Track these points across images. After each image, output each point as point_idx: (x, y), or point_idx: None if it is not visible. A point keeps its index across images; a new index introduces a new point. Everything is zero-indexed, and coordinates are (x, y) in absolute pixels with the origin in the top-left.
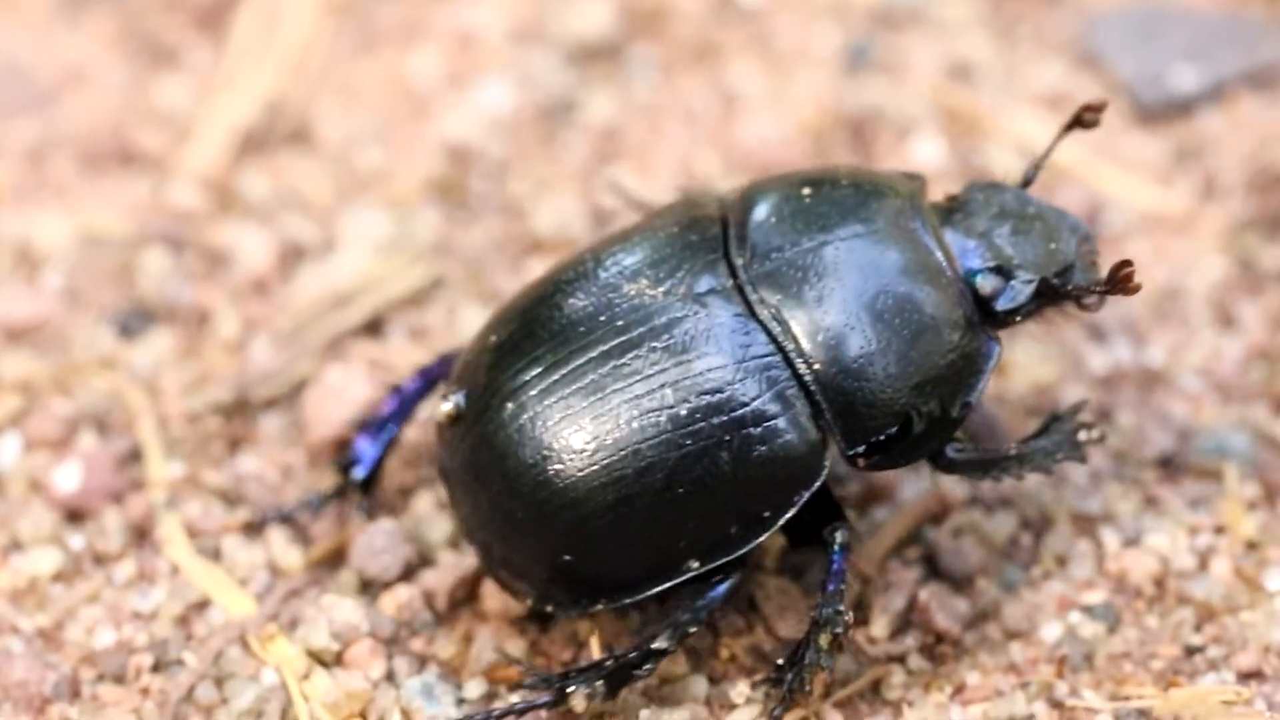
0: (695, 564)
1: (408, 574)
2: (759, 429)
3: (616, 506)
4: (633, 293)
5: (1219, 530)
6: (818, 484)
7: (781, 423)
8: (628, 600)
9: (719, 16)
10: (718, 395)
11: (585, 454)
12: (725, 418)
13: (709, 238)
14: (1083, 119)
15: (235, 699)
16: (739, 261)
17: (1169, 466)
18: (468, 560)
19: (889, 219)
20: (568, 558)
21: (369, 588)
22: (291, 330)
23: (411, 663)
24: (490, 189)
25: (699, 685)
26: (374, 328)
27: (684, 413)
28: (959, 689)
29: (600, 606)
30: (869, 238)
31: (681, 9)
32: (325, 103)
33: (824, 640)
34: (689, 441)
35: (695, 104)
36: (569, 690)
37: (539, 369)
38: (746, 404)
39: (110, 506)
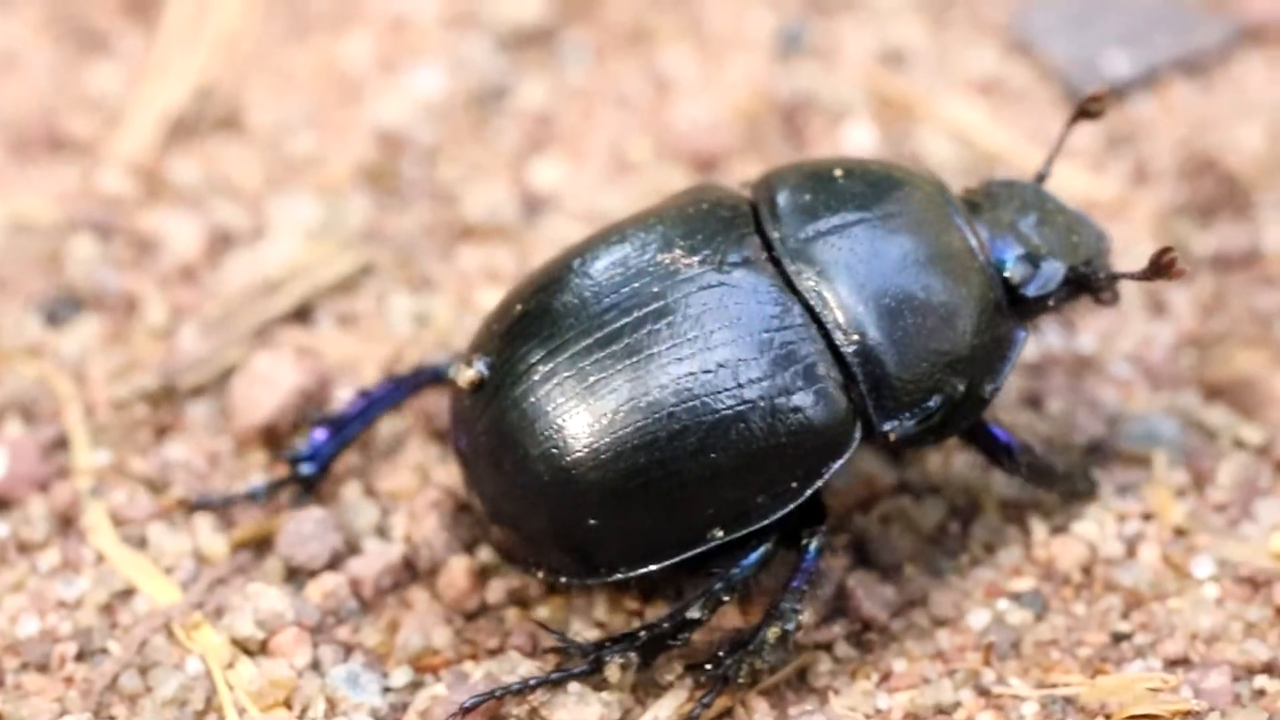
0: (720, 533)
1: (334, 562)
2: (792, 397)
3: (648, 470)
4: (667, 261)
5: (1147, 517)
6: (847, 456)
7: (815, 392)
8: (649, 568)
9: (652, 1)
10: (753, 363)
11: (618, 416)
12: (759, 385)
13: (741, 214)
14: (1088, 110)
15: (159, 688)
16: (774, 235)
17: (1098, 453)
18: (395, 548)
19: (923, 202)
20: (593, 523)
21: (295, 576)
22: (220, 317)
23: (337, 651)
24: (421, 175)
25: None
26: (303, 315)
27: (719, 380)
28: (886, 676)
29: (619, 575)
30: (905, 218)
31: None
32: (256, 88)
33: (772, 633)
34: (722, 408)
35: (628, 89)
36: (605, 660)
37: (569, 335)
38: (781, 372)
39: (35, 494)
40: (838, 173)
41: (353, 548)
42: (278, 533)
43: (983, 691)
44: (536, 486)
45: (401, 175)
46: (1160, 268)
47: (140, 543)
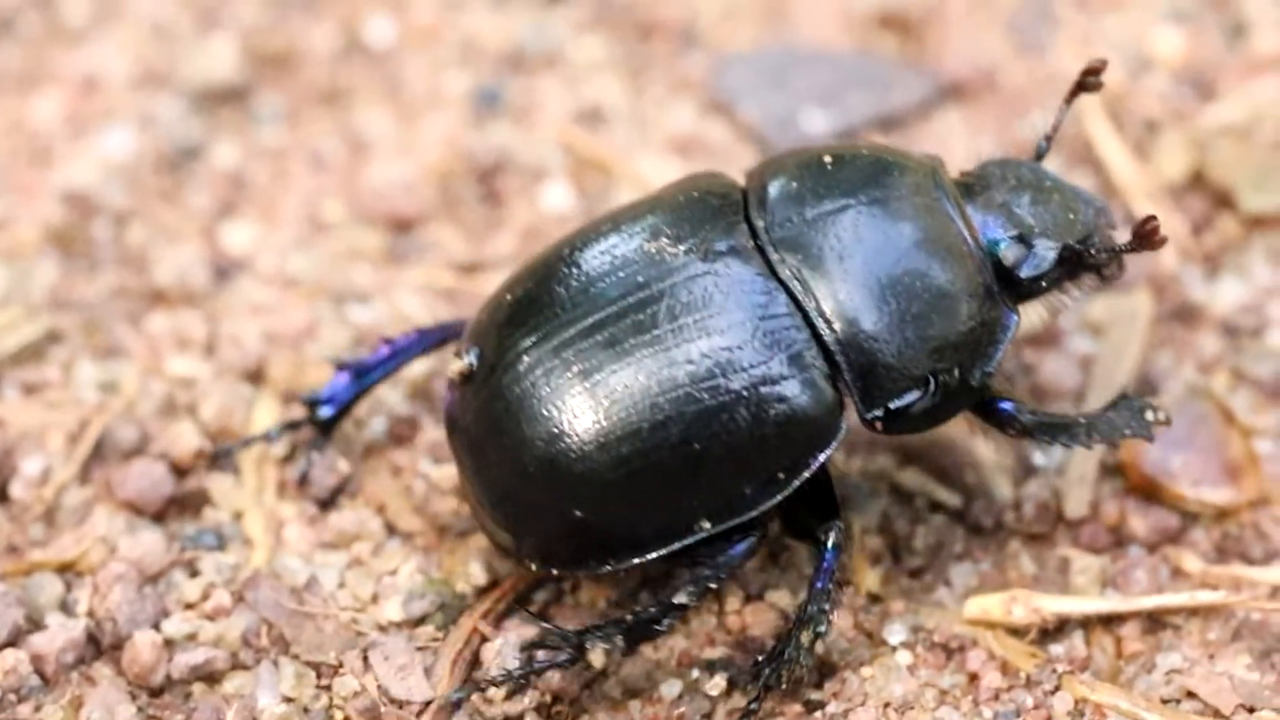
0: (706, 524)
1: (15, 638)
2: (777, 388)
3: (630, 461)
4: (653, 251)
5: (841, 584)
6: (834, 446)
7: (799, 382)
8: (635, 560)
9: (347, 59)
10: (737, 352)
11: (601, 407)
12: (744, 375)
13: (730, 202)
14: (1086, 83)
15: None
16: (760, 223)
17: None
18: (78, 623)
19: (911, 188)
20: (578, 514)
21: None
22: None
23: None
24: (111, 238)
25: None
26: None
27: (703, 369)
28: None
29: (608, 567)
30: (891, 204)
31: (309, 51)
32: None
33: (805, 638)
34: (706, 397)
35: (323, 149)
36: (588, 646)
37: (555, 324)
38: (765, 362)
39: None
40: (827, 159)
41: (35, 623)
42: None
43: None
44: (521, 477)
45: (91, 239)
46: (1143, 238)
47: None
